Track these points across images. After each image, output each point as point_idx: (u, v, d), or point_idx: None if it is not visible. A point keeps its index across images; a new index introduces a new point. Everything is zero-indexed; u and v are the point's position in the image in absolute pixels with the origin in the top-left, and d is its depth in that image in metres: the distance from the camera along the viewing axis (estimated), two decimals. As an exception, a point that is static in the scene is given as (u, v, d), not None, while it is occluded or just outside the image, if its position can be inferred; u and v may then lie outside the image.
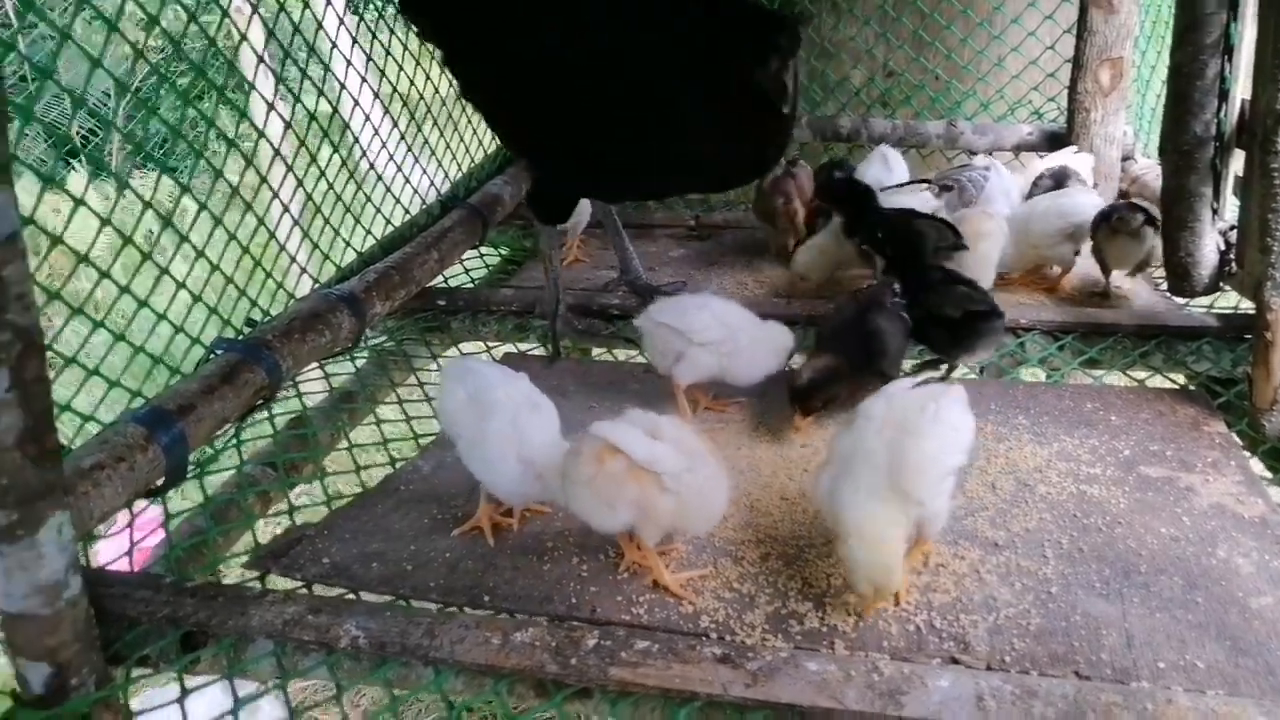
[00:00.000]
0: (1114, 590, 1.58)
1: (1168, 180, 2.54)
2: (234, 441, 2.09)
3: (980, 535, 1.72)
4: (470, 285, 3.15)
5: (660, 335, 2.16)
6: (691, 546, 1.72)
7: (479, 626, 1.51)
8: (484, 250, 3.35)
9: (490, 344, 2.82)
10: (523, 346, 2.74)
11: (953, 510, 1.77)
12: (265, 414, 2.17)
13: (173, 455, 1.82)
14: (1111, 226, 2.56)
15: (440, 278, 2.97)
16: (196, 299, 2.24)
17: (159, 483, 1.83)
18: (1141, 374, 2.46)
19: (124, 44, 2.18)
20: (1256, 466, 2.06)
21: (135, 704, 1.58)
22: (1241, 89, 2.43)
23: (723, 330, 2.12)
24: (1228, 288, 2.55)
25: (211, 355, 2.10)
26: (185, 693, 1.57)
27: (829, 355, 2.08)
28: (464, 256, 3.18)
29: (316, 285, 2.61)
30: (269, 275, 2.52)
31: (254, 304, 2.37)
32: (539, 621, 1.53)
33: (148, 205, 2.16)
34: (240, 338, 2.16)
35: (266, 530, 1.97)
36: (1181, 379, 2.43)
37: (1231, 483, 1.85)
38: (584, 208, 3.18)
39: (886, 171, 3.18)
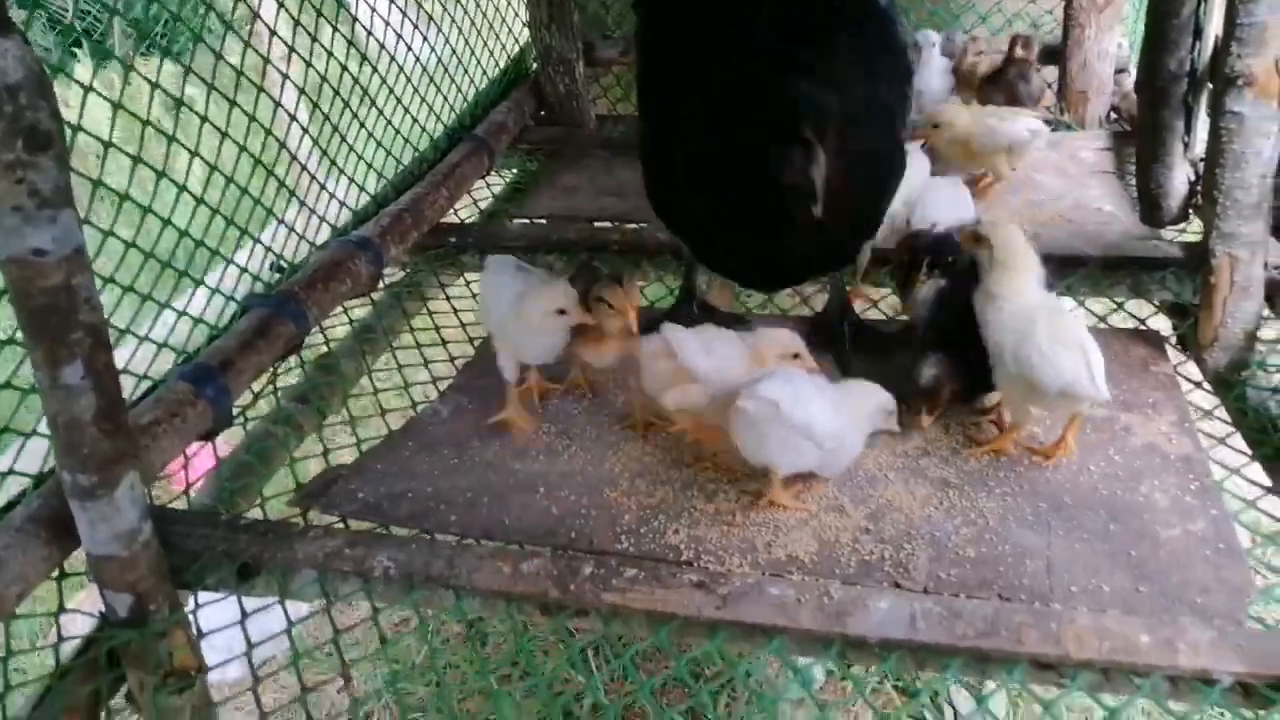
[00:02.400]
0: (1043, 523, 1.81)
1: (1142, 113, 2.65)
2: (270, 388, 2.33)
3: (932, 474, 1.94)
4: (479, 219, 3.31)
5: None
6: (670, 487, 1.95)
7: (492, 557, 1.77)
8: (489, 180, 3.48)
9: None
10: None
11: (908, 451, 2.00)
12: (296, 359, 2.39)
13: (218, 406, 2.05)
14: None
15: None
16: (199, 201, 2.32)
17: (208, 429, 2.08)
18: (1107, 306, 2.61)
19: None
20: (1204, 398, 2.25)
21: (202, 624, 1.87)
22: (1216, 26, 2.50)
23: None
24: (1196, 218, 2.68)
25: (245, 309, 2.31)
26: (245, 614, 1.86)
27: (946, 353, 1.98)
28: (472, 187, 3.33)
29: (332, 230, 2.78)
30: (280, 220, 2.66)
31: (283, 259, 2.56)
32: (543, 553, 1.78)
33: (155, 86, 2.22)
34: (270, 293, 2.36)
35: (303, 467, 2.22)
36: (1146, 309, 2.59)
37: (1166, 423, 2.05)
38: None
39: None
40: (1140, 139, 2.65)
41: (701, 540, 1.81)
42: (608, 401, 2.25)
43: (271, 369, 2.30)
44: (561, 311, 2.07)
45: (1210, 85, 2.54)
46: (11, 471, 1.79)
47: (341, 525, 1.94)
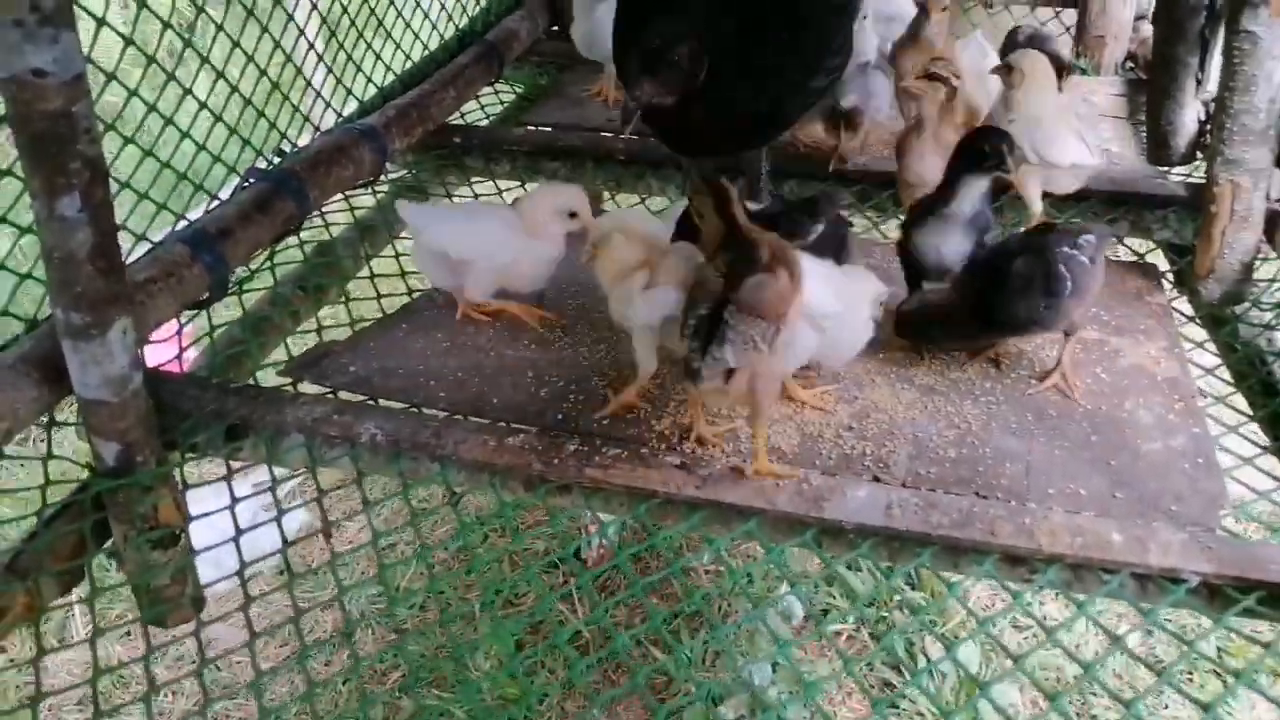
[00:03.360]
0: (1025, 430, 1.83)
1: (1157, 47, 2.63)
2: (268, 264, 2.32)
3: (919, 381, 1.95)
4: (485, 123, 3.29)
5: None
6: (659, 379, 1.94)
7: (478, 430, 1.79)
8: (499, 87, 3.46)
9: (501, 183, 2.98)
10: (531, 188, 2.91)
11: (896, 359, 2.01)
12: (295, 240, 2.38)
13: (215, 273, 2.06)
14: None
15: (457, 114, 3.11)
16: (217, 119, 2.34)
17: (204, 297, 2.08)
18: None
19: None
20: (1197, 333, 2.26)
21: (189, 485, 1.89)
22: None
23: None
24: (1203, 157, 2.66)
25: (245, 184, 2.30)
26: (230, 473, 1.88)
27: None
28: (480, 93, 3.30)
29: (338, 118, 2.76)
30: (286, 97, 2.64)
31: (283, 135, 2.54)
32: (529, 429, 1.80)
33: (167, 25, 2.23)
34: (271, 167, 2.35)
35: (297, 343, 2.23)
36: (1146, 247, 2.59)
37: (1156, 348, 2.06)
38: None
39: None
40: (1153, 74, 2.64)
41: (686, 429, 1.82)
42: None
43: (270, 246, 2.30)
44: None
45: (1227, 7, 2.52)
46: (5, 313, 1.79)
47: (331, 395, 1.96)
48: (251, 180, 2.29)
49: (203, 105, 2.28)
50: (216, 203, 2.25)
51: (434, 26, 3.25)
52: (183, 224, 2.14)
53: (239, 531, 1.82)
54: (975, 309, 1.89)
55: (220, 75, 2.33)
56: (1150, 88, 2.64)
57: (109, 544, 1.85)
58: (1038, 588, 1.56)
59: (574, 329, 2.15)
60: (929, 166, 2.28)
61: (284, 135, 2.55)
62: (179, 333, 2.13)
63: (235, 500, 1.86)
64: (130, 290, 1.73)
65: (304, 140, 2.61)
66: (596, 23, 3.05)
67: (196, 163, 2.30)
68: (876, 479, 1.70)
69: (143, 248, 2.09)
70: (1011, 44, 3.00)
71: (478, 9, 3.51)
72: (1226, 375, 2.09)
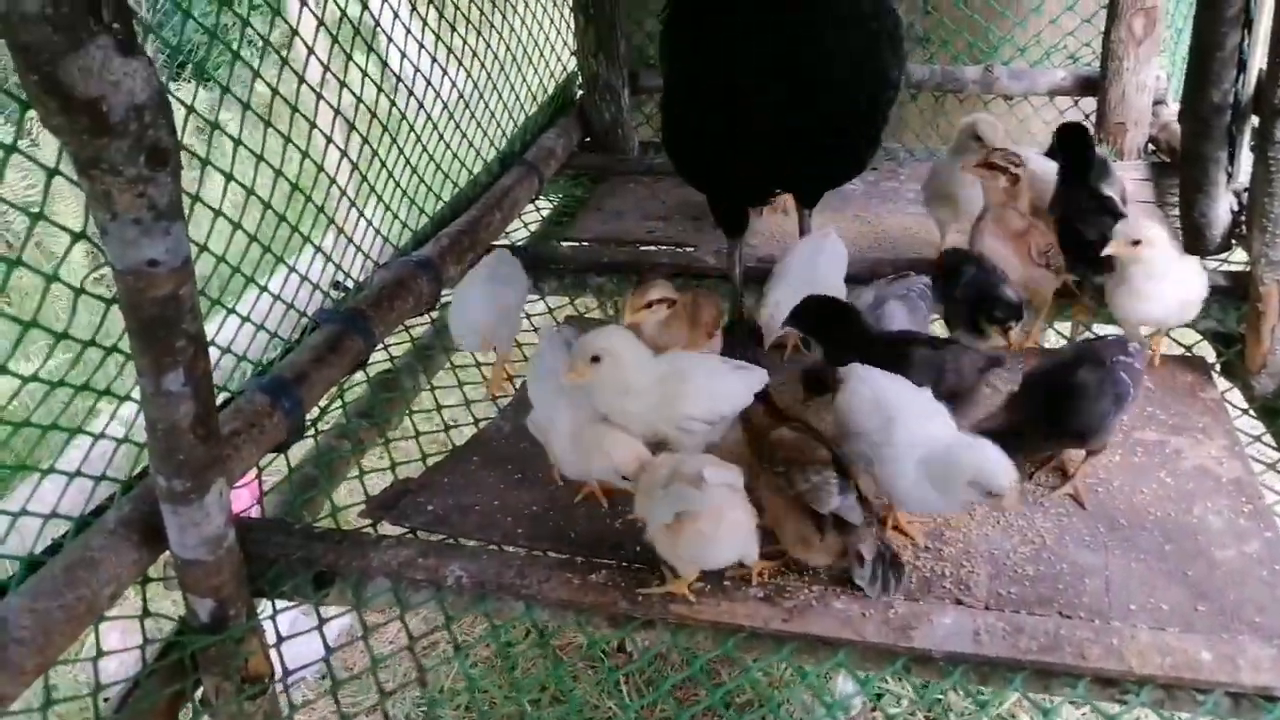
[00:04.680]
0: (1099, 542, 1.85)
1: (1185, 143, 2.70)
2: (340, 404, 2.40)
3: (987, 494, 1.98)
4: (528, 240, 3.39)
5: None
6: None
7: (560, 567, 1.83)
8: (538, 205, 3.57)
9: (550, 300, 3.06)
10: (580, 304, 2.99)
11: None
12: (363, 376, 2.46)
13: (292, 417, 2.13)
14: None
15: (501, 232, 3.22)
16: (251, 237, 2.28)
17: (281, 441, 2.15)
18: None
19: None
20: (1250, 423, 2.28)
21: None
22: (1259, 59, 2.55)
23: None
24: (1239, 247, 2.72)
25: (315, 325, 2.38)
26: (322, 621, 1.92)
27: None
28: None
29: (396, 252, 2.87)
30: (341, 230, 2.71)
31: (346, 274, 2.64)
32: (610, 564, 1.83)
33: (190, 110, 2.10)
34: (339, 309, 2.44)
35: (368, 481, 2.28)
36: (1191, 336, 2.63)
37: (1217, 447, 2.09)
38: None
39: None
40: (1184, 170, 2.70)
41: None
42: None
43: (339, 383, 2.38)
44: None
45: (1255, 117, 2.59)
46: (104, 477, 1.86)
47: (411, 535, 2.00)
48: (322, 321, 2.37)
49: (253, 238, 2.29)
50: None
51: (476, 151, 3.37)
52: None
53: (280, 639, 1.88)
54: (1042, 419, 1.94)
55: (268, 207, 2.32)
56: (1182, 182, 2.70)
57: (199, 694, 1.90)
58: (1130, 709, 1.56)
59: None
60: (989, 248, 2.45)
61: (345, 272, 2.65)
62: (258, 479, 2.19)
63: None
64: (224, 447, 1.79)
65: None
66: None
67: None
68: (959, 601, 1.73)
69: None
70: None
71: (514, 130, 3.65)
72: (1289, 469, 2.12)
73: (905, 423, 1.75)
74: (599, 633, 1.81)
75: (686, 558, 1.71)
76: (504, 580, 1.81)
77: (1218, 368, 2.46)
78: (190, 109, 2.09)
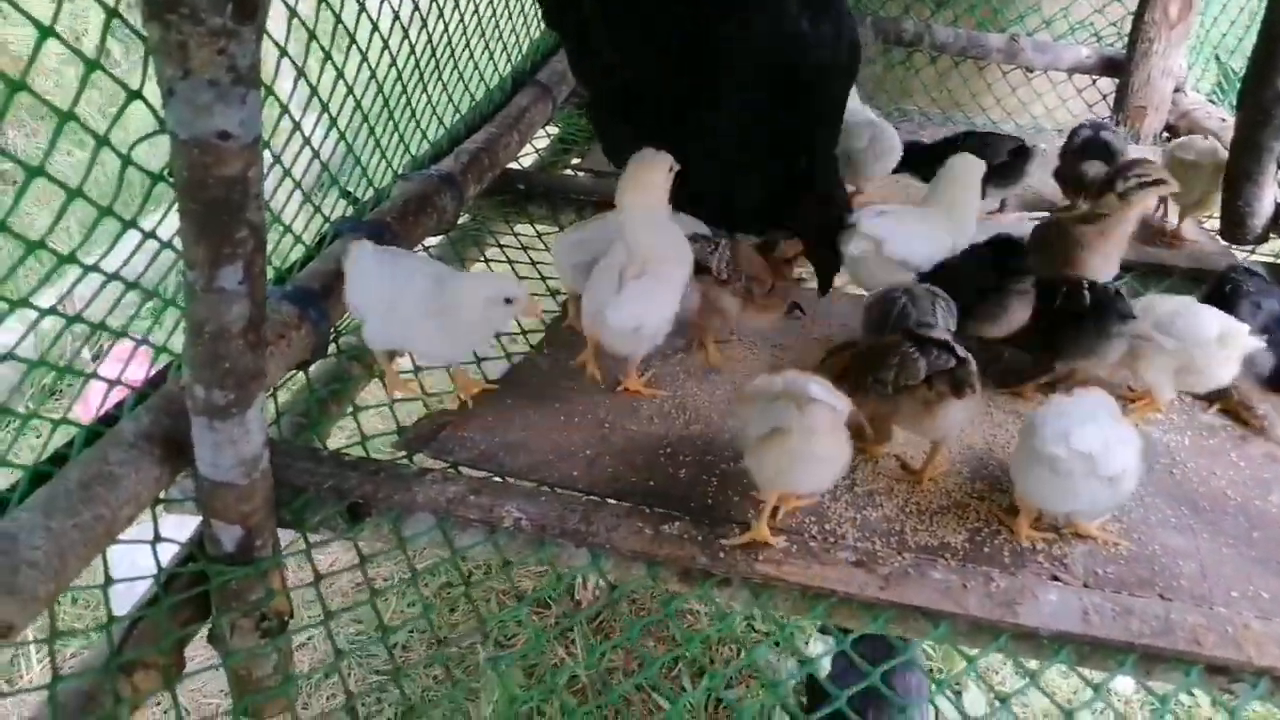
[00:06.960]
0: (1185, 524, 1.78)
1: (1240, 131, 2.65)
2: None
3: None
4: (542, 166, 3.18)
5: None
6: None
7: (629, 516, 1.67)
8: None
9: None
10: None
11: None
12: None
13: (319, 331, 1.91)
14: None
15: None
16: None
17: (304, 359, 1.92)
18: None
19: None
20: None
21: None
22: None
23: None
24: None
25: (337, 234, 2.15)
26: (363, 559, 1.73)
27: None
28: (533, 135, 3.19)
29: (413, 163, 2.62)
30: (373, 130, 2.47)
31: (355, 185, 2.40)
32: (683, 516, 1.68)
33: None
34: (363, 219, 2.20)
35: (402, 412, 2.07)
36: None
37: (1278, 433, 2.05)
38: None
39: None
40: (1234, 156, 2.66)
41: (841, 517, 1.73)
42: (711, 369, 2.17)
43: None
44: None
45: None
46: (119, 381, 1.62)
47: (454, 472, 1.81)
48: (344, 230, 2.13)
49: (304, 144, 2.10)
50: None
51: (495, 68, 3.12)
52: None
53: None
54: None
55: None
56: (1229, 168, 2.66)
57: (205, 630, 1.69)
58: (1244, 700, 1.51)
59: (694, 403, 2.04)
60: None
61: (368, 178, 2.40)
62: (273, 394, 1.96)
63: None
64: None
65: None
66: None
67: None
68: (1055, 578, 1.64)
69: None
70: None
71: (522, 51, 3.41)
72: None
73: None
74: (667, 588, 1.67)
75: (769, 473, 1.62)
76: (567, 526, 1.65)
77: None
78: None
